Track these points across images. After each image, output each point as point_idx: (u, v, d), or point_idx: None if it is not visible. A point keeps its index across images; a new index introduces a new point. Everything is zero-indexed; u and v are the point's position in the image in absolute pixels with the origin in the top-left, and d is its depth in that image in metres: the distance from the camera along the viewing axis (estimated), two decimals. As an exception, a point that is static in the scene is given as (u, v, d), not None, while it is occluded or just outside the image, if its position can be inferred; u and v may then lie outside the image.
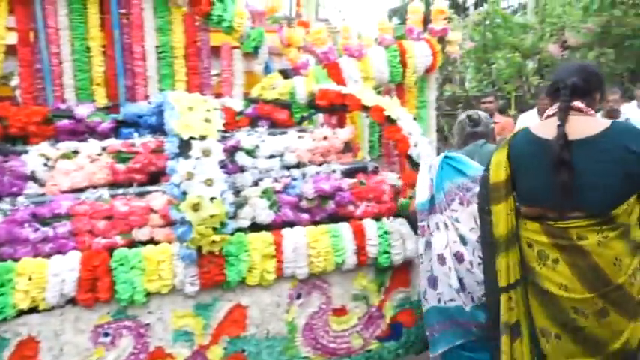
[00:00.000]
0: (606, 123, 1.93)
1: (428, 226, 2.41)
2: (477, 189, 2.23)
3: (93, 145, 2.72)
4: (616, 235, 1.82)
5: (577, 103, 1.94)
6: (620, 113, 4.56)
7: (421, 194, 2.45)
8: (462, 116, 2.82)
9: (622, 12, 6.02)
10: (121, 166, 2.65)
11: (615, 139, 1.84)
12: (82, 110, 3.07)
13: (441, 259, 2.35)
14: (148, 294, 2.31)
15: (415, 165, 2.71)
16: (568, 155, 1.83)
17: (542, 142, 1.93)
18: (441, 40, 3.64)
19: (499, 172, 2.00)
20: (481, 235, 2.13)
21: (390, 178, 2.83)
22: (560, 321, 1.88)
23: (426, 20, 3.77)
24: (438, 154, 2.61)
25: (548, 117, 2.01)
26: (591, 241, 1.82)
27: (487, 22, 6.77)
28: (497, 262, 1.97)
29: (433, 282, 2.41)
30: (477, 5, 15.16)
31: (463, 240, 2.31)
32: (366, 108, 2.85)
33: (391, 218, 2.67)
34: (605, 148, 1.84)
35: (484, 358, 2.21)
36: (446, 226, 2.37)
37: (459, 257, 2.31)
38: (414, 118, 3.23)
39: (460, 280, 2.31)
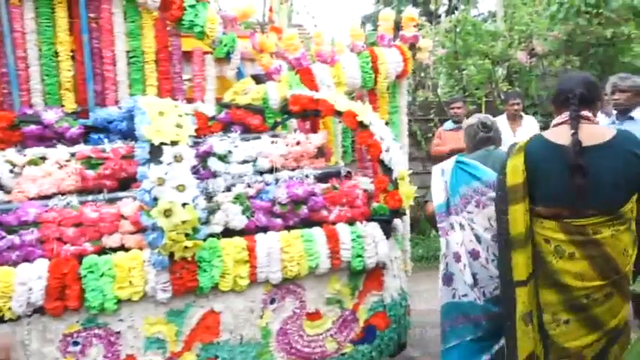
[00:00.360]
0: (612, 131, 2.19)
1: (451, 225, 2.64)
2: (491, 193, 2.48)
3: (61, 151, 2.67)
4: (625, 228, 2.11)
5: (585, 113, 2.19)
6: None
7: (438, 197, 2.68)
8: (473, 121, 2.86)
9: (586, 21, 6.21)
10: (90, 172, 2.61)
11: (623, 146, 2.11)
12: (50, 115, 3.02)
13: (457, 257, 2.62)
14: (119, 301, 2.28)
15: (387, 169, 2.74)
16: (583, 160, 2.07)
17: (558, 148, 2.15)
18: (412, 47, 3.69)
19: (516, 175, 2.19)
20: (498, 234, 2.33)
21: (363, 182, 2.86)
22: (572, 308, 2.11)
23: (398, 27, 3.83)
24: (410, 159, 2.74)
25: (557, 124, 2.25)
26: (605, 234, 2.07)
27: (458, 30, 6.89)
28: (514, 258, 2.17)
29: (448, 279, 2.67)
30: (448, 13, 15.44)
31: (478, 239, 2.57)
32: (338, 113, 2.88)
33: (364, 222, 2.69)
34: (614, 154, 2.09)
35: (487, 348, 2.59)
36: (462, 226, 2.62)
37: (474, 255, 2.57)
38: (386, 124, 3.28)
39: (474, 275, 2.57)
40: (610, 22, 6.18)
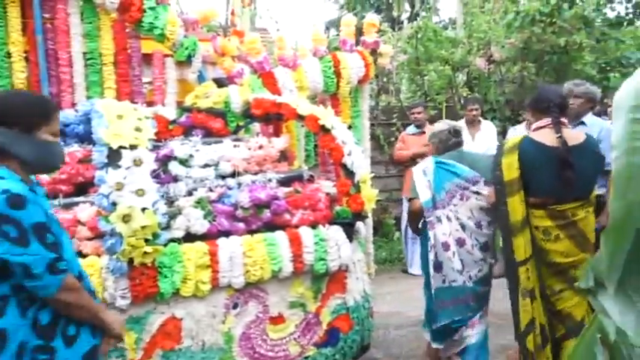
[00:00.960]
0: (582, 134, 2.70)
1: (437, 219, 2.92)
2: (472, 187, 2.89)
3: (14, 155, 2.58)
4: (592, 210, 2.63)
5: (563, 119, 2.62)
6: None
7: (424, 194, 2.95)
8: (444, 127, 3.17)
9: (541, 29, 6.44)
10: (45, 177, 2.53)
11: (591, 146, 2.63)
12: (2, 118, 2.92)
13: (445, 246, 2.89)
14: (75, 310, 2.21)
15: (349, 173, 2.77)
16: (571, 158, 2.51)
17: (547, 148, 2.55)
18: (374, 52, 3.74)
19: (512, 171, 2.57)
20: (499, 223, 2.74)
21: (326, 186, 2.88)
22: (564, 279, 2.56)
23: (361, 32, 3.88)
24: (373, 163, 2.87)
25: (539, 128, 2.64)
26: (581, 216, 2.56)
27: (419, 36, 7.02)
28: (515, 242, 2.55)
29: (438, 267, 2.93)
30: (410, 19, 15.73)
31: (463, 228, 2.90)
32: (301, 117, 2.89)
33: (327, 226, 2.71)
34: (587, 152, 2.59)
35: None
36: (448, 218, 2.91)
37: (460, 242, 2.90)
38: (349, 128, 3.31)
39: (461, 261, 2.89)
40: (563, 31, 6.43)
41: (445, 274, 2.91)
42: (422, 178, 2.99)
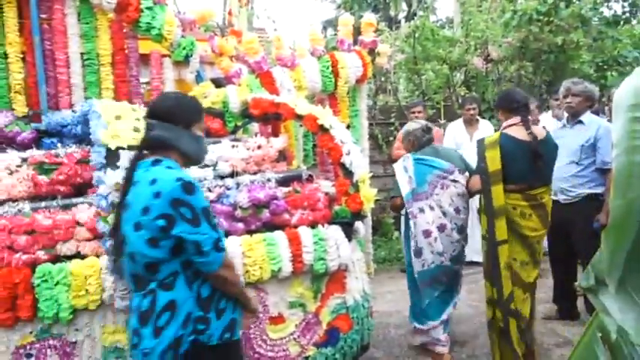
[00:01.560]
0: (543, 130, 3.20)
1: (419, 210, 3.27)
2: (450, 176, 3.27)
3: (12, 156, 2.58)
4: (551, 193, 3.18)
5: (529, 117, 3.13)
6: (538, 121, 4.87)
7: (405, 188, 3.28)
8: (417, 126, 3.47)
9: (538, 28, 6.44)
10: (43, 178, 2.53)
11: (551, 139, 3.16)
12: None
13: (427, 234, 3.23)
14: (75, 311, 2.21)
15: (348, 172, 2.77)
16: (541, 150, 2.99)
17: (522, 142, 3.02)
18: (371, 52, 3.74)
19: (495, 163, 3.02)
20: (485, 208, 3.10)
21: (325, 185, 2.88)
22: (530, 252, 3.07)
23: (358, 32, 3.87)
24: (371, 162, 3.05)
25: (510, 125, 3.09)
26: (546, 198, 3.09)
27: (417, 35, 7.01)
28: (497, 224, 3.01)
29: (418, 252, 3.27)
30: (407, 19, 15.74)
31: (444, 214, 3.25)
32: (299, 117, 2.88)
33: (326, 225, 2.70)
34: (549, 145, 3.10)
35: (450, 298, 3.40)
36: (431, 207, 3.25)
37: (441, 228, 3.24)
38: (347, 127, 3.31)
39: (442, 244, 3.24)
40: (560, 29, 6.44)
41: (424, 258, 3.26)
42: (403, 175, 3.31)
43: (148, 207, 1.70)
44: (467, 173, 3.33)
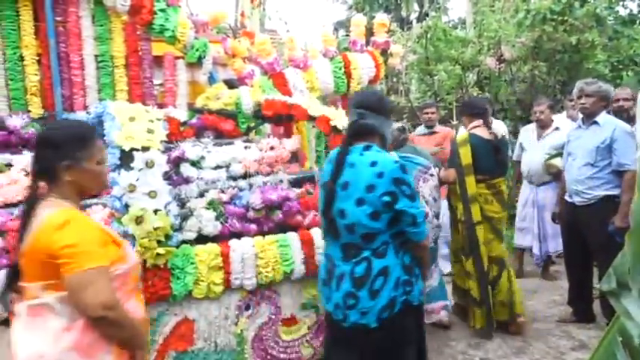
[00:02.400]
0: (500, 130, 3.93)
1: None
2: (429, 171, 3.61)
3: (28, 158, 2.60)
4: (505, 183, 3.84)
5: (489, 120, 3.78)
6: (552, 122, 4.81)
7: None
8: (394, 126, 3.80)
9: (552, 28, 6.37)
10: (58, 179, 2.55)
11: (505, 139, 3.79)
12: (16, 121, 2.94)
13: None
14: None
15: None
16: (501, 147, 3.63)
17: (486, 141, 3.61)
18: (384, 53, 3.73)
19: (467, 157, 3.57)
20: (461, 196, 3.61)
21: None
22: (494, 231, 3.65)
23: (370, 33, 3.86)
24: None
25: (475, 127, 3.67)
26: (503, 186, 3.71)
27: (429, 36, 6.99)
28: (473, 208, 3.57)
29: None
30: (419, 19, 15.67)
31: (427, 203, 3.53)
32: (312, 118, 2.88)
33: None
34: (505, 143, 3.77)
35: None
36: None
37: (425, 215, 3.56)
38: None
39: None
40: (575, 29, 6.37)
41: None
42: None
43: (372, 185, 1.97)
44: (437, 168, 3.79)
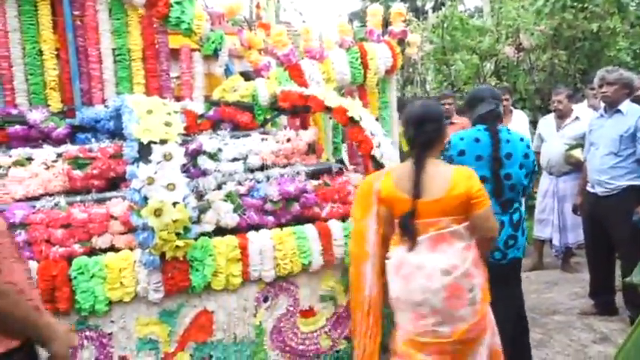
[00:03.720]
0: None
1: None
2: None
3: (48, 151, 2.63)
4: None
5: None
6: (571, 111, 4.72)
7: None
8: None
9: (572, 15, 6.24)
10: (78, 173, 2.57)
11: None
12: (35, 115, 2.97)
13: None
14: (110, 303, 2.25)
15: (379, 165, 2.73)
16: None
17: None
18: (401, 42, 3.68)
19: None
20: None
21: (355, 178, 2.85)
22: None
23: (386, 23, 3.81)
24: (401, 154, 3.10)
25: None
26: None
27: (445, 25, 6.90)
28: None
29: None
30: (435, 9, 15.45)
31: None
32: (329, 109, 2.86)
33: (356, 218, 2.68)
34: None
35: None
36: None
37: None
38: (376, 119, 3.27)
39: None
40: (595, 16, 6.23)
41: None
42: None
43: (527, 154, 2.77)
44: None
